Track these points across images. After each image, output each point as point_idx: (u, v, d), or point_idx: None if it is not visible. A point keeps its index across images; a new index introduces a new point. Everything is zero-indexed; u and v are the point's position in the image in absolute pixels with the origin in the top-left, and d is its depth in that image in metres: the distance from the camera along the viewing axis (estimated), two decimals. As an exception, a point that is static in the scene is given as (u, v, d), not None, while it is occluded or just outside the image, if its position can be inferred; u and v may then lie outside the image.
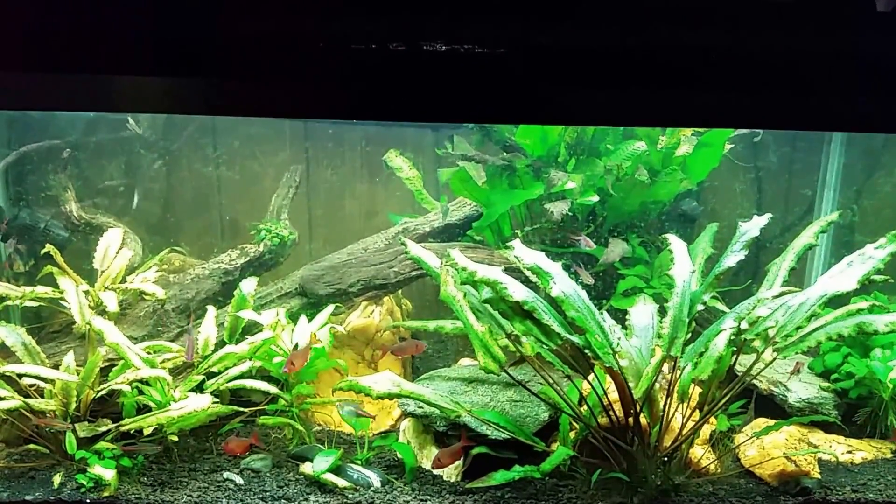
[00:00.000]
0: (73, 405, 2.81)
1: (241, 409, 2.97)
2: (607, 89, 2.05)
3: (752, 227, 2.73)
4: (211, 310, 3.27)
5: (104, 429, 2.78)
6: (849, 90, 2.05)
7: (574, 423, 2.82)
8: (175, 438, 2.84)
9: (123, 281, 3.37)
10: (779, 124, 2.81)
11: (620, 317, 2.93)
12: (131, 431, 2.75)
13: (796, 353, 2.67)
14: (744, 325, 2.60)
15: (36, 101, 2.23)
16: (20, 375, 2.79)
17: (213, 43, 1.97)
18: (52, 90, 2.06)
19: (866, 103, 2.08)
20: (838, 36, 1.99)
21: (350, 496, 2.67)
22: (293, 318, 3.25)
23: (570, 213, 3.44)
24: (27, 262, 3.45)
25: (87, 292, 3.21)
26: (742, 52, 2.00)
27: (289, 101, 2.11)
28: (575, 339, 2.51)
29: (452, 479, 2.82)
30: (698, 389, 2.86)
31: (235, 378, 2.98)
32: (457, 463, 2.83)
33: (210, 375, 3.02)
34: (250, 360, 3.02)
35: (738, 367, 3.01)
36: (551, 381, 2.75)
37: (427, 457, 2.92)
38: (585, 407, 2.79)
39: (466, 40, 1.97)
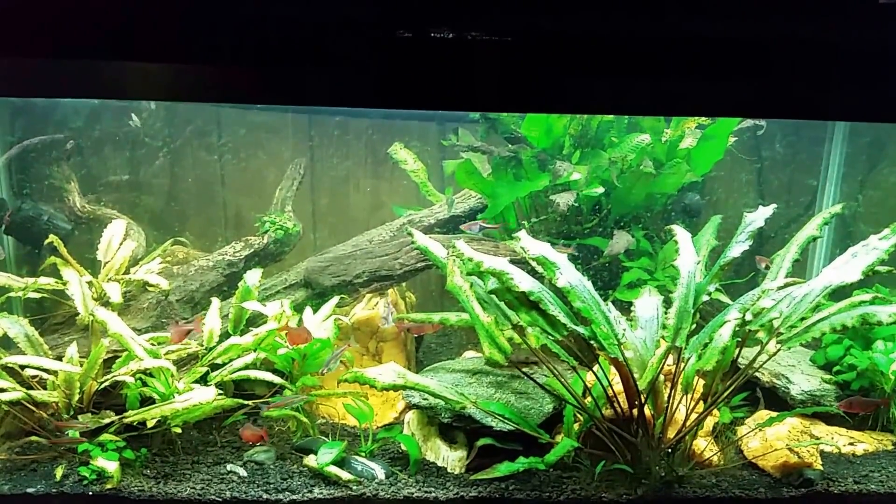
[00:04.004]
0: (76, 397, 2.80)
1: (246, 402, 2.97)
2: (613, 78, 2.05)
3: (758, 217, 2.74)
4: (215, 301, 3.26)
5: (107, 421, 2.76)
6: (851, 80, 2.06)
7: (578, 415, 2.82)
8: (178, 431, 2.83)
9: (127, 272, 3.36)
10: (784, 114, 2.82)
11: (624, 309, 2.93)
12: (135, 423, 2.74)
13: (800, 344, 2.68)
14: (748, 317, 2.61)
15: (41, 88, 2.22)
16: (23, 367, 2.78)
17: (220, 29, 1.96)
18: (56, 77, 2.05)
19: (868, 92, 2.09)
20: (840, 27, 2.00)
21: (354, 488, 2.67)
22: (298, 309, 3.24)
23: (576, 205, 3.45)
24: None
25: (90, 283, 3.20)
26: (745, 43, 2.00)
27: (292, 88, 2.11)
28: (581, 329, 2.52)
29: (457, 471, 2.82)
30: (701, 381, 2.87)
31: (240, 370, 2.97)
32: (461, 455, 2.84)
33: (214, 367, 3.01)
34: (255, 351, 3.01)
35: (740, 360, 3.02)
36: (556, 372, 2.75)
37: (431, 449, 2.92)
38: (590, 398, 2.79)
39: (473, 28, 1.97)
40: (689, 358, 2.70)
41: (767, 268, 3.01)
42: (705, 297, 2.66)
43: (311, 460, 2.78)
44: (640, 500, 2.63)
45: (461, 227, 3.47)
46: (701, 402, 2.79)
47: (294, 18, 1.95)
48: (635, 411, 2.67)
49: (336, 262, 3.49)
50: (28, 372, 2.80)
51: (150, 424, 2.76)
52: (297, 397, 2.84)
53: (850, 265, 2.62)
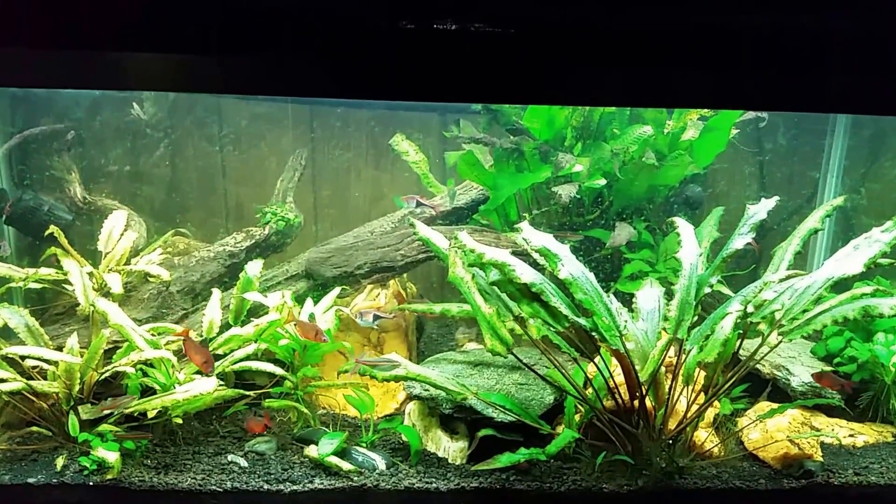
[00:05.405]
0: (77, 387, 2.80)
1: (246, 392, 2.97)
2: (617, 69, 2.04)
3: (760, 209, 2.74)
4: (216, 292, 3.26)
5: (107, 411, 2.76)
6: (853, 72, 2.05)
7: (580, 406, 2.83)
8: (179, 421, 2.83)
9: (128, 263, 3.36)
10: (787, 106, 2.81)
11: (626, 301, 2.93)
12: (135, 414, 2.74)
13: (801, 336, 2.68)
14: (750, 309, 2.61)
15: (44, 78, 2.21)
16: (23, 357, 2.78)
17: (223, 20, 1.95)
18: (58, 67, 2.04)
19: (870, 85, 2.08)
20: (842, 20, 1.99)
21: (355, 479, 2.67)
22: (299, 300, 3.24)
23: (578, 197, 3.45)
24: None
25: (91, 274, 3.20)
26: (749, 34, 1.99)
27: (295, 80, 2.10)
28: (582, 321, 2.52)
29: (458, 462, 2.82)
30: (703, 373, 2.87)
31: (241, 360, 2.97)
32: (462, 445, 2.85)
33: (215, 358, 3.00)
34: (256, 342, 3.01)
35: (741, 352, 3.02)
36: (557, 363, 2.75)
37: (432, 439, 2.93)
38: (591, 390, 2.79)
39: (476, 19, 1.96)
40: (690, 350, 2.71)
41: (750, 245, 3.00)
42: (707, 289, 2.66)
43: (311, 451, 2.78)
44: (640, 491, 2.63)
45: (401, 197, 3.45)
46: (702, 393, 2.79)
47: (297, 10, 1.94)
48: (636, 403, 2.68)
49: (337, 254, 3.49)
50: (28, 362, 2.80)
51: (150, 415, 2.76)
52: (384, 359, 2.81)
53: (852, 257, 2.62)
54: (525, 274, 2.48)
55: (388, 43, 1.98)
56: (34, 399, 2.79)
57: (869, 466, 2.87)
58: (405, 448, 2.90)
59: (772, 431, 2.87)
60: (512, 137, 3.56)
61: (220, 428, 3.03)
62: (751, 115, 3.74)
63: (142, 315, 3.26)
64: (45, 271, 3.14)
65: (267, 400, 2.98)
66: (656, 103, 3.09)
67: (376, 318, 3.04)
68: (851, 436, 3.08)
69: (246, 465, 2.76)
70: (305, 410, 3.01)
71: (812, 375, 2.96)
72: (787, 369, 3.21)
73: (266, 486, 2.62)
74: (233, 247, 3.57)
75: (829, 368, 3.24)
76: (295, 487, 2.62)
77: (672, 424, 2.78)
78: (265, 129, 3.95)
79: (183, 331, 2.87)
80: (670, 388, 2.72)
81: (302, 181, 3.86)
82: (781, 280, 2.69)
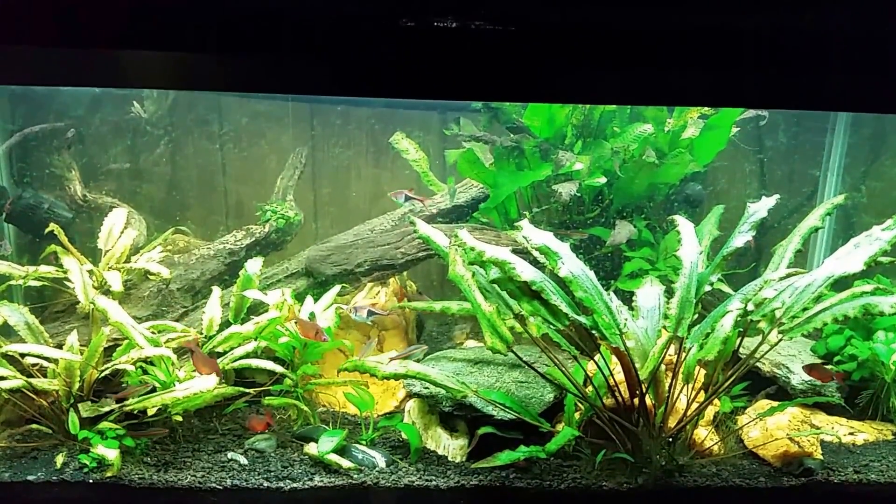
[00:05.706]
0: (77, 385, 2.80)
1: (246, 390, 2.97)
2: (618, 68, 2.04)
3: (760, 207, 2.74)
4: (216, 290, 3.26)
5: (107, 409, 2.76)
6: (853, 70, 2.05)
7: (579, 404, 2.83)
8: (179, 419, 2.84)
9: (128, 261, 3.36)
10: (787, 104, 2.81)
11: (626, 299, 2.93)
12: (135, 412, 2.74)
13: (802, 334, 2.68)
14: (750, 307, 2.61)
15: (44, 76, 2.21)
16: (23, 355, 2.77)
17: (222, 18, 1.95)
18: (58, 65, 2.04)
19: (870, 83, 2.08)
20: (842, 17, 1.99)
21: (355, 476, 2.67)
22: (299, 298, 3.24)
23: (578, 195, 3.45)
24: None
25: (91, 272, 3.20)
26: (749, 33, 1.99)
27: (294, 76, 2.10)
28: (582, 319, 2.52)
29: (458, 460, 2.83)
30: (703, 371, 2.87)
31: (241, 358, 2.98)
32: (461, 443, 2.85)
33: (215, 355, 3.01)
34: (256, 340, 3.01)
35: (742, 351, 3.02)
36: (557, 361, 2.75)
37: (432, 437, 2.93)
38: (591, 388, 2.80)
39: (477, 17, 1.96)
40: (690, 348, 2.70)
41: (748, 242, 2.99)
42: (707, 287, 2.66)
43: (311, 448, 2.78)
44: (640, 489, 2.63)
45: (389, 194, 3.45)
46: (702, 391, 2.79)
47: (297, 8, 1.94)
48: (636, 401, 2.68)
49: (337, 252, 3.49)
50: (28, 360, 2.80)
51: (150, 413, 2.76)
52: (418, 347, 2.82)
53: (853, 255, 2.62)
54: (525, 272, 2.48)
55: (388, 41, 1.97)
56: (34, 397, 2.79)
57: (869, 464, 2.87)
58: (405, 446, 2.90)
59: (772, 429, 2.88)
60: (512, 135, 3.56)
61: (220, 425, 3.03)
62: (751, 113, 3.74)
63: (142, 313, 3.27)
64: (45, 269, 3.14)
65: (267, 398, 2.99)
66: (656, 102, 3.09)
67: (371, 313, 3.04)
68: (851, 434, 3.08)
69: (246, 462, 2.77)
70: (305, 408, 3.01)
71: (803, 368, 2.96)
72: (788, 367, 3.21)
73: (266, 484, 2.63)
74: (233, 245, 3.57)
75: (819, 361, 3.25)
76: (295, 485, 2.62)
77: (672, 422, 2.78)
78: (265, 127, 3.95)
79: (191, 341, 2.87)
80: (670, 386, 2.72)
81: (302, 179, 3.87)
82: (782, 278, 2.69)
